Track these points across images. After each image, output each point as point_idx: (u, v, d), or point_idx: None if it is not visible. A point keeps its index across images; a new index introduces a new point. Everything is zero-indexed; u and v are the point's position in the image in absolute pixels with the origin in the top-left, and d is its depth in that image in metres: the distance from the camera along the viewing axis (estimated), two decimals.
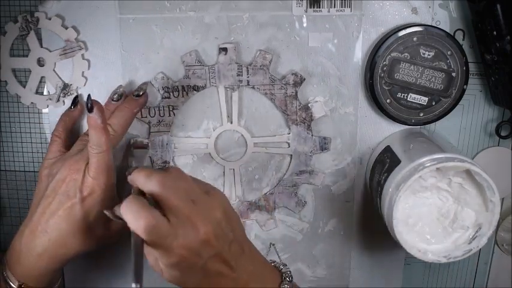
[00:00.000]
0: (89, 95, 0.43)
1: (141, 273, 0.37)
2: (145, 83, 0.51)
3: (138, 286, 0.36)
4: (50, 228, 0.45)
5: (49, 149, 0.50)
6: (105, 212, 0.42)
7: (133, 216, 0.38)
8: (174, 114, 0.53)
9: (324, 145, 0.53)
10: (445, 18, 0.51)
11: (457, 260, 0.46)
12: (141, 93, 0.50)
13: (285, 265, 0.45)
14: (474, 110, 0.53)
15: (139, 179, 0.40)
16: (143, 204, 0.38)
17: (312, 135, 0.53)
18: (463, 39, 0.51)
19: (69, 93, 0.52)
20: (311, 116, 0.53)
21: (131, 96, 0.50)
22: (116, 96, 0.50)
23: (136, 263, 0.37)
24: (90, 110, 0.43)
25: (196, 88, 0.52)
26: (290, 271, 0.45)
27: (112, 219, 0.43)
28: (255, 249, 0.44)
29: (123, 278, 0.58)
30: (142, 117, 0.53)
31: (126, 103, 0.50)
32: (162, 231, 0.38)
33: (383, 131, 0.53)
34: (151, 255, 0.39)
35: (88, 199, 0.45)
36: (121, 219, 0.40)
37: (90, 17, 0.50)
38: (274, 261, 0.46)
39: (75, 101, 0.51)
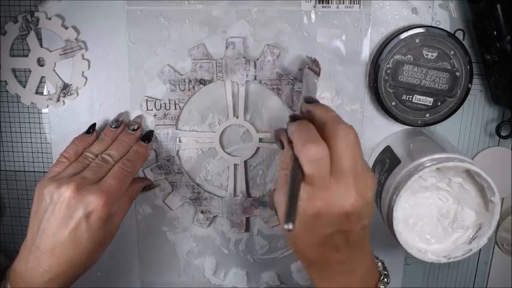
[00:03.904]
0: (152, 131, 0.52)
1: (295, 212, 0.33)
2: (139, 116, 0.53)
3: (291, 227, 0.32)
4: (57, 253, 0.43)
5: (53, 169, 0.48)
6: (273, 133, 0.39)
7: (304, 142, 0.36)
8: (179, 107, 0.53)
9: None
10: (445, 18, 0.51)
11: (457, 260, 0.46)
12: (136, 127, 0.51)
13: (382, 262, 0.45)
14: (474, 110, 0.53)
15: (323, 113, 0.38)
16: (316, 135, 0.36)
17: None
18: (463, 39, 0.51)
19: (69, 93, 0.52)
20: None
21: (127, 130, 0.51)
22: (114, 123, 0.51)
23: (291, 200, 0.33)
24: (148, 141, 0.51)
25: (202, 82, 0.52)
26: (387, 272, 0.44)
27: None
28: (369, 241, 0.43)
29: (123, 278, 0.58)
30: (148, 110, 0.53)
31: (124, 136, 0.51)
32: (323, 170, 0.36)
33: (389, 133, 0.53)
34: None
35: (92, 217, 0.44)
36: (281, 143, 0.38)
37: (97, 9, 0.50)
38: (379, 260, 0.45)
39: (92, 128, 0.51)
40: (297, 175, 0.35)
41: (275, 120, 0.53)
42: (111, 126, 0.51)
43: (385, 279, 0.43)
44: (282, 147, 0.39)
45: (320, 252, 0.39)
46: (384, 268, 0.45)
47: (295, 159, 0.36)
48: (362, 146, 0.53)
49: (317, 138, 0.36)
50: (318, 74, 0.49)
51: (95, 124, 0.52)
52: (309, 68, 0.49)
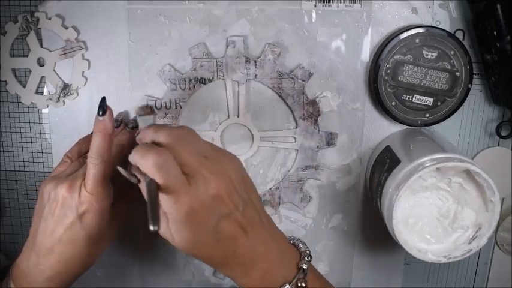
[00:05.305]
0: (103, 98, 0.42)
1: (158, 215, 0.36)
2: (145, 109, 0.52)
3: (156, 228, 0.35)
4: (56, 251, 0.43)
5: (56, 169, 0.48)
6: (119, 168, 0.40)
7: (142, 156, 0.37)
8: (180, 106, 0.53)
9: (330, 140, 0.53)
10: (445, 18, 0.51)
11: (457, 260, 0.46)
12: (135, 125, 0.51)
13: (304, 243, 0.44)
14: (474, 110, 0.53)
15: (148, 134, 0.40)
16: (151, 146, 0.38)
17: (318, 130, 0.53)
18: (463, 39, 0.51)
19: (69, 93, 0.52)
20: (318, 110, 0.53)
21: (126, 129, 0.51)
22: (115, 123, 0.50)
23: (152, 205, 0.36)
24: (102, 114, 0.41)
25: (203, 81, 0.52)
26: (309, 250, 0.43)
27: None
28: (273, 223, 0.43)
29: (123, 278, 0.58)
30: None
31: (122, 135, 0.50)
32: (172, 171, 0.37)
33: (389, 133, 0.53)
34: (161, 216, 0.38)
35: (86, 215, 0.43)
36: (134, 175, 0.39)
37: (97, 9, 0.50)
38: (293, 238, 0.45)
39: None
40: (151, 185, 0.37)
41: (275, 118, 0.53)
42: None
43: (306, 258, 0.42)
44: (138, 180, 0.40)
45: (222, 245, 0.39)
46: (304, 244, 0.44)
47: (149, 178, 0.37)
48: (362, 146, 0.54)
49: (149, 149, 0.38)
50: (151, 113, 0.51)
51: None
52: (140, 115, 0.51)
